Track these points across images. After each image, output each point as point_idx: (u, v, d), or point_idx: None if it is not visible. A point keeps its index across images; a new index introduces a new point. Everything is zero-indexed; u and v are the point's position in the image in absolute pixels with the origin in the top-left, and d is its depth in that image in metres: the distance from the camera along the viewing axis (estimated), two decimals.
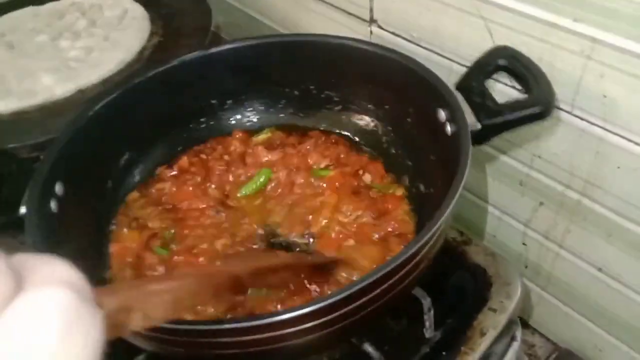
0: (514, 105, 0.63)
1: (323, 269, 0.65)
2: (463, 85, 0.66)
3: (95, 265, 0.69)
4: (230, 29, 1.20)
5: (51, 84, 0.90)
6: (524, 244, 0.82)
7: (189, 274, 0.55)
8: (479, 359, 0.66)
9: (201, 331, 0.49)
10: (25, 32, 1.05)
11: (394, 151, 0.80)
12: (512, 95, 0.68)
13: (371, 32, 0.85)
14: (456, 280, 0.73)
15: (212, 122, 0.87)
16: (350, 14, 0.87)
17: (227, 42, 0.83)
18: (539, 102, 0.61)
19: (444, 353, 0.67)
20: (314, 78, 0.83)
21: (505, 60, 0.65)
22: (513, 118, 0.62)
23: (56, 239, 0.60)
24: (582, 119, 0.63)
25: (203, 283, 0.47)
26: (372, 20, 0.84)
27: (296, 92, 0.85)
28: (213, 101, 0.86)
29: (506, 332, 0.70)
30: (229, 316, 0.62)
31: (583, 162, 0.66)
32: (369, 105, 0.82)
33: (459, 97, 0.65)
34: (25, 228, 0.59)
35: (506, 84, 0.69)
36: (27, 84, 0.91)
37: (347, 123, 0.85)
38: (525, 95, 0.63)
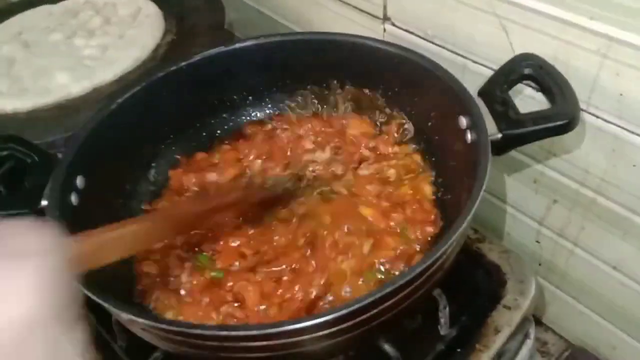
0: (536, 117, 0.62)
1: (271, 203, 0.73)
2: (486, 91, 0.65)
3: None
4: (243, 27, 1.20)
5: (67, 82, 0.91)
6: (537, 241, 0.82)
7: (150, 217, 0.70)
8: (493, 356, 0.67)
9: (228, 337, 0.50)
10: (40, 30, 1.06)
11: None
12: (537, 98, 0.67)
13: (384, 29, 0.85)
14: (471, 278, 0.73)
15: (232, 118, 0.88)
16: (363, 11, 0.87)
17: (251, 38, 0.83)
18: (562, 114, 0.60)
19: (458, 350, 0.67)
20: (337, 76, 0.84)
21: (531, 69, 0.64)
22: (535, 130, 0.61)
23: (76, 232, 0.61)
24: (597, 117, 0.63)
25: (163, 224, 0.60)
26: (385, 18, 0.84)
27: (316, 89, 0.86)
28: (234, 97, 0.87)
29: (520, 329, 0.71)
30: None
31: (598, 160, 0.66)
32: (391, 105, 0.82)
33: (481, 104, 0.64)
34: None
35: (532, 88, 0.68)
36: (42, 82, 0.92)
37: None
38: (549, 106, 0.62)
